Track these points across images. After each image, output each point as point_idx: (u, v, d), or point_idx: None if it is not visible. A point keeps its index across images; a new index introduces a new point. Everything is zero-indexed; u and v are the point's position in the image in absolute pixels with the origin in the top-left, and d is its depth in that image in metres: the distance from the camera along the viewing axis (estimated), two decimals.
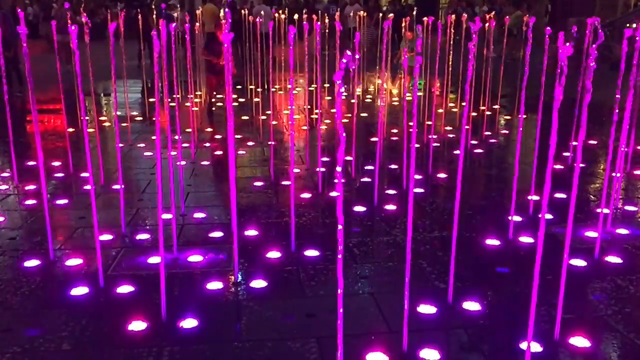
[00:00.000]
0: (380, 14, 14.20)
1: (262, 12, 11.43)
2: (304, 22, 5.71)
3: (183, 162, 6.01)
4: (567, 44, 2.59)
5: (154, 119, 8.43)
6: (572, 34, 4.70)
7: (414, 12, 11.60)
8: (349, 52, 2.11)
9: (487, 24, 9.43)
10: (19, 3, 19.11)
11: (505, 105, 10.14)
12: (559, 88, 2.49)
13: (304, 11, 11.88)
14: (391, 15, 8.18)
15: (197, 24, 11.52)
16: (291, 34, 4.16)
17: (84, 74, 3.88)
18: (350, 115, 6.94)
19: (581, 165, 3.19)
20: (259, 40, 10.05)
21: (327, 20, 13.51)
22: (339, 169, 2.11)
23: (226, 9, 4.18)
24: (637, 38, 4.19)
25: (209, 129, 8.61)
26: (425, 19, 8.13)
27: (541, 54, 4.80)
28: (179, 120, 5.84)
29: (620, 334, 3.27)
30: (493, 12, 11.89)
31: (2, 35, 5.37)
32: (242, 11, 12.94)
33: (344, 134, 2.05)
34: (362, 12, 12.80)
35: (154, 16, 12.29)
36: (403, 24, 10.22)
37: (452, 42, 8.92)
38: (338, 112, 2.08)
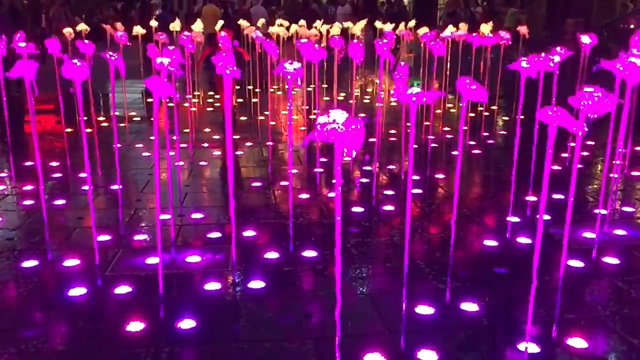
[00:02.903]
0: (378, 22, 13.83)
1: (259, 14, 11.48)
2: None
3: (181, 163, 6.01)
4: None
5: (152, 119, 8.42)
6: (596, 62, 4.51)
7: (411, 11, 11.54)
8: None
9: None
10: (17, 3, 19.05)
11: (503, 106, 10.14)
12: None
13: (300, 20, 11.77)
14: (388, 25, 8.16)
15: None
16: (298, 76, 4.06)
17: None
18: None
19: (579, 166, 3.20)
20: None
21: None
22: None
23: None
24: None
25: (207, 129, 8.59)
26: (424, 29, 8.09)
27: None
28: (177, 121, 5.82)
29: (618, 334, 3.28)
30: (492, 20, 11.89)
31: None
32: (239, 20, 12.85)
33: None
34: (362, 23, 12.48)
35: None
36: (400, 28, 10.20)
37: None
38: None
